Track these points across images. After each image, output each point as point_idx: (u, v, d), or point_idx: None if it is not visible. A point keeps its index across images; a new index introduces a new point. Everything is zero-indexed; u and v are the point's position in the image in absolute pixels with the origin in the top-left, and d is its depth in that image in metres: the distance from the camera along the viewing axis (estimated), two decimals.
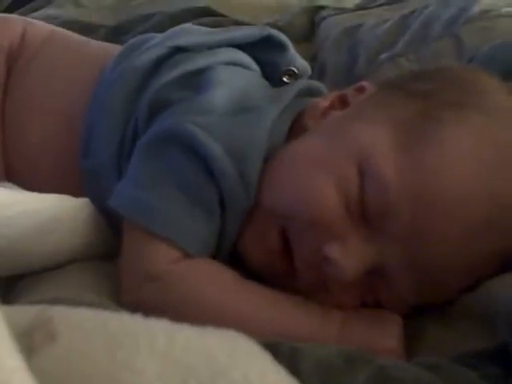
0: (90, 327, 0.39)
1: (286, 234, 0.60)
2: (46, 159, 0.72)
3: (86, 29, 1.16)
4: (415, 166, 0.56)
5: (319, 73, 1.04)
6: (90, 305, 0.50)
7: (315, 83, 0.76)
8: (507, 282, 0.57)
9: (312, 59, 1.16)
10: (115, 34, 1.17)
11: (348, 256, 0.57)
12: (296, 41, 1.24)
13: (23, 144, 0.73)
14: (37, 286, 0.62)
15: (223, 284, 0.60)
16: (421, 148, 0.57)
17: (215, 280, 0.60)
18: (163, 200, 0.60)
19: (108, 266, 0.65)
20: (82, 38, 0.84)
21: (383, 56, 0.95)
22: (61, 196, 0.61)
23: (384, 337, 0.58)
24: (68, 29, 1.17)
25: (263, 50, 0.74)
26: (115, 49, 0.77)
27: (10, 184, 0.69)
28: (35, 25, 0.83)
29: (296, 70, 0.74)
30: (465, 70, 0.70)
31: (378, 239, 0.57)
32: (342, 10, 1.17)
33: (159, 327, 0.39)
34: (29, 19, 0.86)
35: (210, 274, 0.60)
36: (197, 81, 0.68)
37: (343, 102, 0.67)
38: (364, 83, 0.68)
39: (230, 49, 0.73)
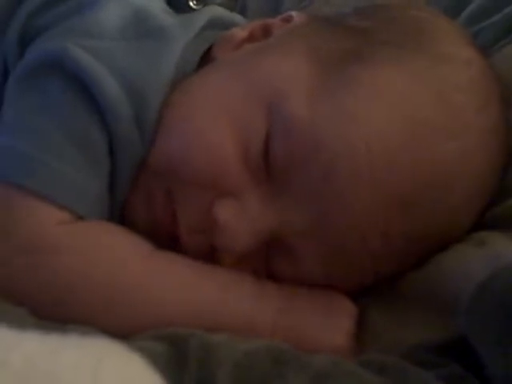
0: None
1: (172, 193, 0.48)
2: None
3: None
4: (334, 112, 0.46)
5: (240, 14, 0.91)
6: None
7: (230, 14, 0.63)
8: (462, 259, 0.47)
9: None
10: None
11: (242, 220, 0.47)
12: None
13: None
14: None
15: (138, 253, 0.47)
16: (344, 91, 0.47)
17: (125, 247, 0.47)
18: (39, 148, 0.47)
19: None
20: None
21: None
22: None
23: (331, 331, 0.47)
24: None
25: None
26: None
27: None
28: None
29: None
30: (419, 10, 0.57)
31: (280, 201, 0.47)
32: None
33: None
34: None
35: (117, 239, 0.47)
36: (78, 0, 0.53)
37: (266, 34, 0.55)
38: (293, 13, 0.56)
39: None
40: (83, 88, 0.48)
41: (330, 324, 0.48)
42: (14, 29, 0.54)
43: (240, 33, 0.55)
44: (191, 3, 0.59)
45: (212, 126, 0.48)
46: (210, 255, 0.48)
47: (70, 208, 0.46)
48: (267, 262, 0.49)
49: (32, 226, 0.46)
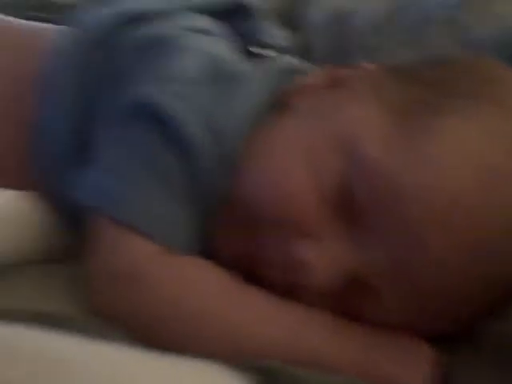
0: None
1: (253, 230, 0.51)
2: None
3: None
4: (409, 155, 0.48)
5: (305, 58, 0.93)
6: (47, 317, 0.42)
7: (299, 62, 0.66)
8: None
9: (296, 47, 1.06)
10: None
11: (323, 257, 0.49)
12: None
13: None
14: None
15: (222, 287, 0.50)
16: (419, 136, 0.49)
17: (210, 281, 0.50)
18: (134, 187, 0.52)
19: (71, 269, 0.56)
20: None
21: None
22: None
23: (409, 376, 0.48)
24: None
25: (227, 18, 0.64)
26: (46, 28, 0.66)
27: None
28: None
29: (273, 43, 0.64)
30: (479, 60, 0.60)
31: (359, 240, 0.49)
32: None
33: (99, 360, 0.28)
34: None
35: (202, 272, 0.51)
36: (158, 48, 0.57)
37: (337, 82, 0.58)
38: (364, 63, 0.59)
39: (193, 14, 0.62)
40: (167, 130, 0.52)
41: (408, 368, 0.48)
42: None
43: (312, 79, 0.58)
44: (252, 49, 0.62)
45: (288, 168, 0.51)
46: (289, 292, 0.50)
47: (160, 239, 0.50)
48: (344, 301, 0.50)
49: (127, 257, 0.50)
